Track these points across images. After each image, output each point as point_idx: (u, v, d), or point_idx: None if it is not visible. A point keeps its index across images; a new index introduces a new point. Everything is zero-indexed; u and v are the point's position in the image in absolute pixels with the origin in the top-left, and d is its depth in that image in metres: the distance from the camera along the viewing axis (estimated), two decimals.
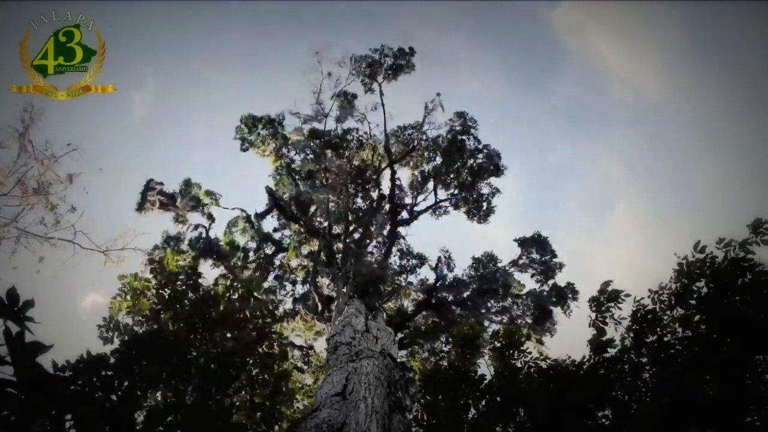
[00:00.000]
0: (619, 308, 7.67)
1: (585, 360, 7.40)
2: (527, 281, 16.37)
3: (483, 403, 7.83)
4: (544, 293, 15.61)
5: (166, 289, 8.64)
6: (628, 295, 7.55)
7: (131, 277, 9.07)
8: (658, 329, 7.01)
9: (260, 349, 9.04)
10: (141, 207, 16.54)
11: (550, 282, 15.74)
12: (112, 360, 6.35)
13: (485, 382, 7.99)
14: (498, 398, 7.68)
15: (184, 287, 8.66)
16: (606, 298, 7.62)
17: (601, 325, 7.59)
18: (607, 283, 7.66)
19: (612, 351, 7.37)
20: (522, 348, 8.22)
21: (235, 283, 9.66)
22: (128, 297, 8.79)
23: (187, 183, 17.32)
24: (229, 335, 8.49)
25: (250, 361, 8.83)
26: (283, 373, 10.05)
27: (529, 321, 15.33)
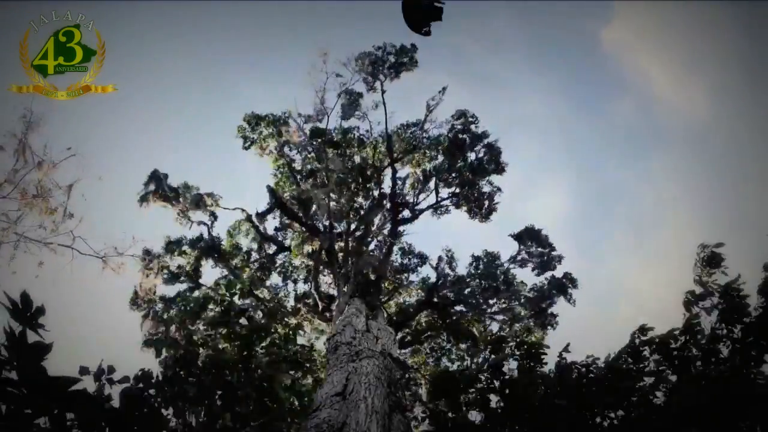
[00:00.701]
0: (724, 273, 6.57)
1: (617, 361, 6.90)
2: (529, 276, 16.42)
3: (497, 403, 7.64)
4: (544, 286, 15.67)
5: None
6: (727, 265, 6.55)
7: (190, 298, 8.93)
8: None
9: (292, 373, 8.92)
10: (144, 199, 16.46)
11: (549, 275, 15.80)
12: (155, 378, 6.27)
13: (499, 383, 7.76)
14: (510, 400, 7.48)
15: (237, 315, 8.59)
16: (707, 261, 6.68)
17: (702, 281, 6.55)
18: (718, 245, 6.70)
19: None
20: (540, 359, 7.87)
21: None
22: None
23: (186, 186, 17.28)
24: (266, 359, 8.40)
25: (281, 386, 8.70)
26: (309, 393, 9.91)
27: (531, 317, 15.36)
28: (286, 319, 15.04)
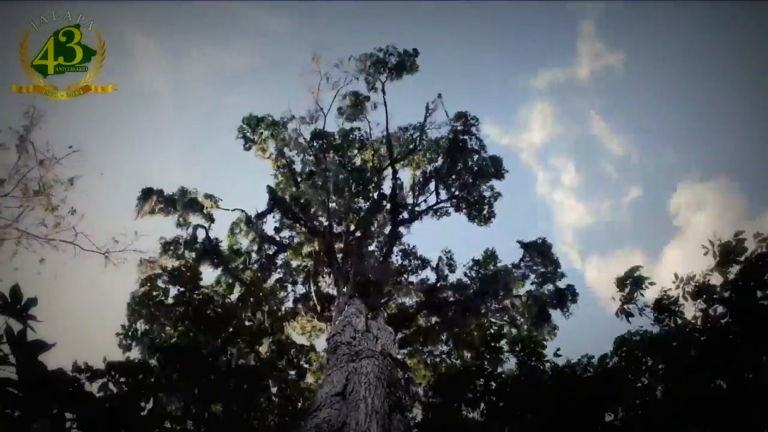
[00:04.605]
0: (642, 295, 7.17)
1: (605, 360, 7.07)
2: (527, 284, 16.28)
3: (492, 400, 7.63)
4: (544, 294, 15.57)
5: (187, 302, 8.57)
6: (653, 283, 7.07)
7: (150, 286, 9.05)
8: (679, 320, 6.64)
9: (279, 365, 8.95)
10: (138, 214, 16.37)
11: (551, 286, 15.67)
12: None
13: (499, 380, 7.76)
14: (508, 398, 7.49)
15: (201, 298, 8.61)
16: (632, 282, 7.09)
17: (627, 310, 7.04)
18: (635, 268, 7.13)
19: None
20: (541, 356, 7.90)
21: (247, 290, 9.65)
22: (149, 304, 8.76)
23: (184, 191, 17.13)
24: (247, 350, 8.42)
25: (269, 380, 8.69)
26: (301, 391, 9.88)
27: (529, 322, 15.30)
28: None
